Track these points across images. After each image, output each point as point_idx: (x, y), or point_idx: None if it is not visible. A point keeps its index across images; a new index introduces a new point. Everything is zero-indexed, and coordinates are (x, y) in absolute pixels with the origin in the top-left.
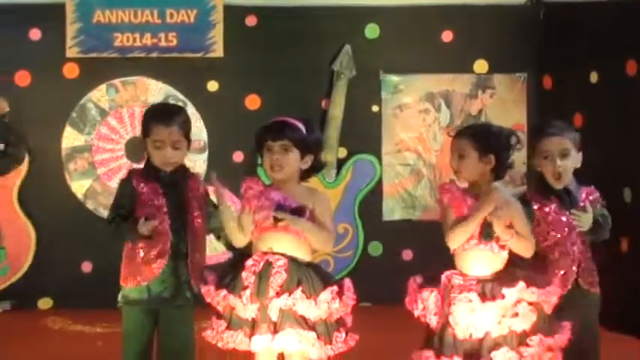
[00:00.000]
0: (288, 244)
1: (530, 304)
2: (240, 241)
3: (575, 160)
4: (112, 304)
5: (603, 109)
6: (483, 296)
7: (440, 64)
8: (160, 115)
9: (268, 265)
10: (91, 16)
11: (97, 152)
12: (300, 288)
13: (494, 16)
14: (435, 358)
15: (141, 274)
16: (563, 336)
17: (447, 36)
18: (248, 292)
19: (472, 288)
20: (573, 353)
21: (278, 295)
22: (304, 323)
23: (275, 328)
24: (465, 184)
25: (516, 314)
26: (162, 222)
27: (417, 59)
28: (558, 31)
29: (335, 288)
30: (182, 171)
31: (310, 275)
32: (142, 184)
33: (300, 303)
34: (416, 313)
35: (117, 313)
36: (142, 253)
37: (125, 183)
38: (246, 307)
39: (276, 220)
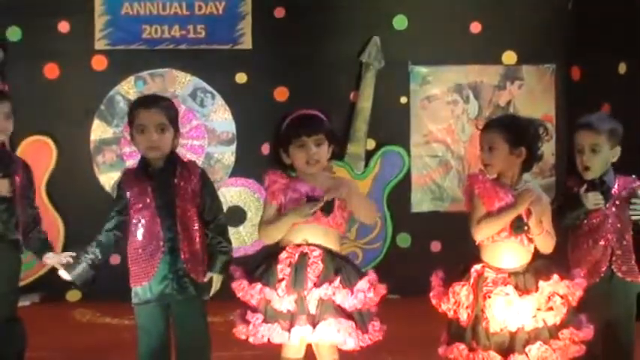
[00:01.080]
0: (322, 235)
1: (562, 297)
2: (274, 237)
3: (607, 154)
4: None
5: (631, 100)
6: (519, 289)
7: (468, 55)
8: (139, 101)
9: (303, 256)
10: (120, 8)
11: (126, 145)
12: (339, 277)
13: (522, 6)
14: (468, 351)
15: (141, 274)
16: (589, 330)
17: (476, 27)
18: (284, 284)
19: (507, 281)
20: (607, 343)
21: (316, 285)
22: (343, 312)
23: (314, 319)
24: (493, 176)
25: (550, 308)
26: (153, 219)
27: (446, 50)
28: (587, 22)
29: (372, 277)
30: (173, 162)
31: (345, 265)
32: (131, 187)
33: (339, 292)
34: (443, 306)
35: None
36: (137, 253)
37: (117, 187)
38: (282, 299)
39: (323, 210)
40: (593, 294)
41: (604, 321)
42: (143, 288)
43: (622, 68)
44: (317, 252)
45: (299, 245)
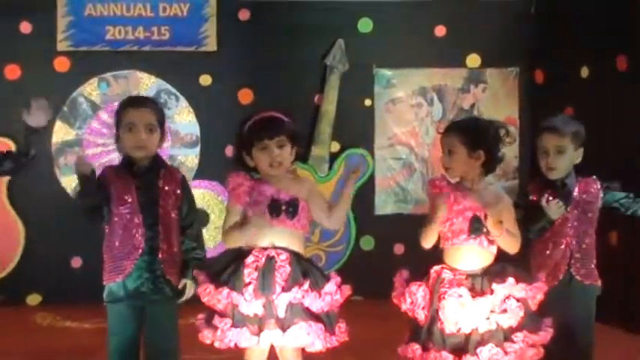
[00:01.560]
0: (287, 238)
1: (518, 300)
2: (238, 241)
3: (572, 156)
4: (101, 299)
5: (593, 104)
6: (473, 291)
7: (433, 58)
8: (130, 100)
9: (270, 260)
10: (83, 9)
11: (88, 147)
12: (308, 281)
13: (486, 10)
14: (422, 351)
15: (117, 271)
16: (546, 333)
17: (440, 30)
18: (251, 288)
19: (462, 283)
20: (566, 346)
21: (285, 289)
22: (312, 315)
23: (282, 323)
24: (455, 179)
25: (505, 310)
26: (135, 217)
27: (410, 54)
28: (550, 26)
29: (338, 280)
30: (157, 164)
31: (312, 268)
32: (113, 182)
33: (308, 296)
34: (403, 307)
35: (106, 309)
36: (115, 250)
37: (98, 182)
38: (250, 304)
39: (273, 214)
40: (552, 297)
41: (563, 324)
42: (117, 285)
43: (584, 72)
44: (284, 255)
45: (265, 248)
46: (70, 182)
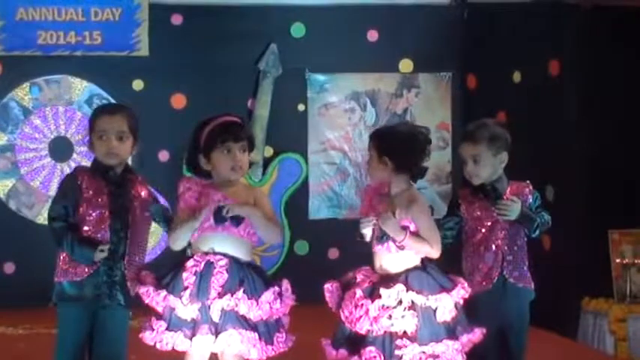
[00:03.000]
0: (229, 244)
1: (410, 307)
2: (181, 245)
3: (492, 162)
4: (35, 304)
5: (526, 108)
6: (371, 293)
7: (366, 63)
8: (103, 108)
9: (209, 265)
10: (14, 13)
11: (20, 151)
12: (242, 288)
13: (419, 15)
14: (332, 346)
15: (75, 270)
16: (454, 344)
17: (373, 35)
18: (188, 292)
19: (362, 284)
20: (495, 347)
21: (220, 295)
22: (246, 323)
23: (216, 329)
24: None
25: (402, 316)
26: (103, 221)
27: (343, 58)
28: (482, 32)
29: (277, 289)
30: (130, 171)
31: (252, 275)
32: (87, 182)
33: (243, 303)
34: (330, 305)
35: (40, 314)
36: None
37: (70, 178)
38: (186, 308)
39: (232, 219)
40: (487, 300)
41: (497, 327)
42: (71, 284)
43: (517, 77)
44: (223, 261)
45: (206, 254)
46: (2, 187)
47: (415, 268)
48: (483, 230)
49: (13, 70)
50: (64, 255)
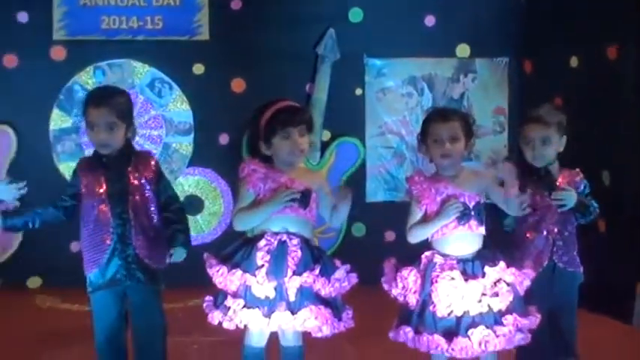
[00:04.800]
0: (297, 224)
1: (508, 284)
2: (250, 227)
3: (557, 145)
4: None
5: (583, 93)
6: (465, 275)
7: (423, 48)
8: (91, 97)
9: (282, 244)
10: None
11: (85, 134)
12: (319, 266)
13: (475, 0)
14: (414, 334)
15: (92, 261)
16: (535, 318)
17: (430, 20)
18: (264, 270)
19: (455, 267)
20: (549, 331)
21: (296, 273)
22: (321, 300)
23: (292, 306)
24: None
25: (496, 293)
26: (104, 208)
27: (401, 43)
28: (539, 16)
29: (347, 267)
30: (127, 152)
31: (322, 255)
32: (85, 174)
33: (318, 281)
34: (394, 292)
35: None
36: (88, 241)
37: (73, 173)
38: (262, 286)
39: (301, 202)
40: (537, 284)
41: (548, 310)
42: (95, 274)
43: (574, 62)
44: (296, 240)
45: (277, 233)
46: (67, 168)
47: (484, 248)
48: (535, 215)
49: (77, 54)
50: (83, 249)
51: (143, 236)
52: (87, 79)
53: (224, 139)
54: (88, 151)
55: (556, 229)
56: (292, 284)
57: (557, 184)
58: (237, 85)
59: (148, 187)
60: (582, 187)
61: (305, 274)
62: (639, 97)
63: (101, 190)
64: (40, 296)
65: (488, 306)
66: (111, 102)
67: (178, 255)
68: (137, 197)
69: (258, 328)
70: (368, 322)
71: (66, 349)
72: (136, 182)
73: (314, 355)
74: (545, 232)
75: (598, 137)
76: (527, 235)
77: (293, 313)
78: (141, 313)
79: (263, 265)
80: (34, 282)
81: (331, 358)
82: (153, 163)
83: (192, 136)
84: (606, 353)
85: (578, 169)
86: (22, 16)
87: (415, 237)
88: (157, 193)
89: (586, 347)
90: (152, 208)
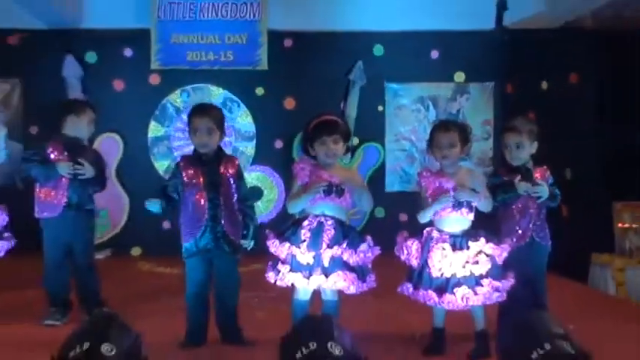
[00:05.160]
0: (334, 209)
1: (487, 255)
2: (298, 210)
3: (529, 148)
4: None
5: (551, 109)
6: (454, 247)
7: (428, 75)
8: (196, 109)
9: (320, 224)
10: (169, 38)
11: (174, 140)
12: (346, 241)
13: (469, 39)
14: (413, 289)
15: (190, 234)
16: (508, 282)
17: (434, 54)
18: (305, 244)
19: (446, 240)
20: (527, 292)
21: (329, 246)
22: (348, 267)
23: (326, 271)
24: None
25: (476, 262)
26: (201, 194)
27: (412, 72)
28: (518, 51)
29: (370, 242)
30: (219, 154)
31: (351, 232)
32: (186, 168)
33: (346, 252)
34: (402, 257)
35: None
36: (188, 218)
37: (175, 167)
38: (303, 255)
39: (336, 193)
40: (518, 254)
41: (525, 273)
42: (190, 244)
43: (544, 85)
44: (330, 221)
45: (317, 216)
46: (161, 166)
47: (471, 228)
48: (520, 203)
49: (169, 80)
50: (182, 224)
51: (229, 217)
52: (176, 99)
53: (278, 144)
54: (177, 154)
55: (535, 213)
56: (326, 254)
57: (535, 179)
58: (289, 103)
59: (232, 181)
60: (550, 180)
61: (335, 247)
62: (593, 113)
63: (200, 181)
64: (140, 262)
65: (470, 271)
66: (210, 113)
67: (247, 244)
68: (225, 188)
69: (300, 286)
70: (387, 282)
71: (160, 301)
72: (225, 176)
73: (346, 308)
74: (527, 216)
75: (562, 142)
76: (511, 215)
77: (326, 276)
78: (223, 276)
79: (305, 240)
80: (136, 251)
81: (359, 310)
82: (237, 163)
83: (254, 142)
84: (568, 305)
85: (546, 167)
86: (128, 52)
87: (422, 218)
88: (237, 187)
89: (553, 301)
90: (234, 198)
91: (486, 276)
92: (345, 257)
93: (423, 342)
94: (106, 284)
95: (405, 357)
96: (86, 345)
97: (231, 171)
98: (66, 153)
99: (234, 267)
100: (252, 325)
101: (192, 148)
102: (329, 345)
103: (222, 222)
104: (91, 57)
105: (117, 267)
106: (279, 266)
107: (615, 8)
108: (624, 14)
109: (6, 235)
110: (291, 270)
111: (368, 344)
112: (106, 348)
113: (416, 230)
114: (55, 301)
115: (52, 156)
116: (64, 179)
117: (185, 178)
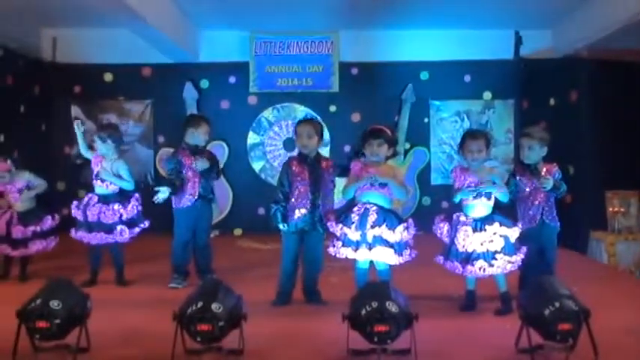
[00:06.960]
0: (379, 198)
1: (501, 235)
2: (349, 197)
3: (539, 151)
4: (274, 232)
5: (557, 120)
6: (475, 229)
7: (463, 94)
8: (301, 120)
9: (366, 210)
10: (264, 68)
11: (267, 146)
12: (385, 223)
13: (494, 66)
14: (443, 260)
15: (294, 215)
16: (518, 257)
17: (467, 78)
18: (354, 225)
19: (469, 223)
20: (540, 262)
21: (372, 227)
22: (387, 244)
23: (370, 246)
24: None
25: (491, 241)
26: (306, 186)
27: (450, 91)
28: (532, 75)
29: (405, 224)
30: (318, 156)
31: (390, 216)
32: (295, 165)
33: (385, 232)
34: (438, 235)
35: (278, 237)
36: (294, 204)
37: (285, 165)
38: (353, 233)
39: (380, 184)
40: (531, 234)
41: (538, 249)
42: (291, 223)
43: (552, 101)
44: (374, 208)
45: (364, 203)
46: (257, 166)
47: (492, 213)
48: (530, 192)
49: (263, 100)
50: (289, 207)
51: (324, 204)
52: (268, 115)
53: (347, 148)
54: (270, 157)
55: (544, 200)
56: (370, 233)
57: (542, 174)
58: (355, 117)
59: (326, 176)
60: (557, 175)
61: (377, 228)
62: (589, 122)
63: (305, 175)
64: (240, 240)
65: (487, 248)
66: (311, 121)
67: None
68: (324, 183)
69: (351, 257)
70: (430, 255)
71: (255, 270)
72: (324, 175)
73: (398, 275)
74: (537, 202)
75: (566, 145)
76: (526, 202)
77: (370, 249)
78: (313, 250)
79: (354, 222)
80: (237, 231)
81: (404, 275)
82: (331, 163)
83: (329, 147)
84: (573, 271)
85: (555, 164)
86: (232, 79)
87: (455, 199)
88: (332, 181)
89: (561, 268)
90: (331, 190)
91: (500, 252)
92: (385, 236)
93: (459, 301)
94: (215, 257)
95: (446, 313)
96: (200, 304)
97: (326, 169)
98: (190, 155)
99: (320, 243)
100: (327, 288)
101: (282, 152)
102: (387, 304)
103: (320, 207)
104: (204, 83)
105: (223, 244)
106: (335, 242)
107: (605, 43)
108: (612, 47)
109: (140, 220)
110: (343, 245)
111: (417, 303)
112: (215, 306)
113: (452, 214)
114: (178, 270)
115: (181, 158)
116: (196, 178)
117: (294, 172)
